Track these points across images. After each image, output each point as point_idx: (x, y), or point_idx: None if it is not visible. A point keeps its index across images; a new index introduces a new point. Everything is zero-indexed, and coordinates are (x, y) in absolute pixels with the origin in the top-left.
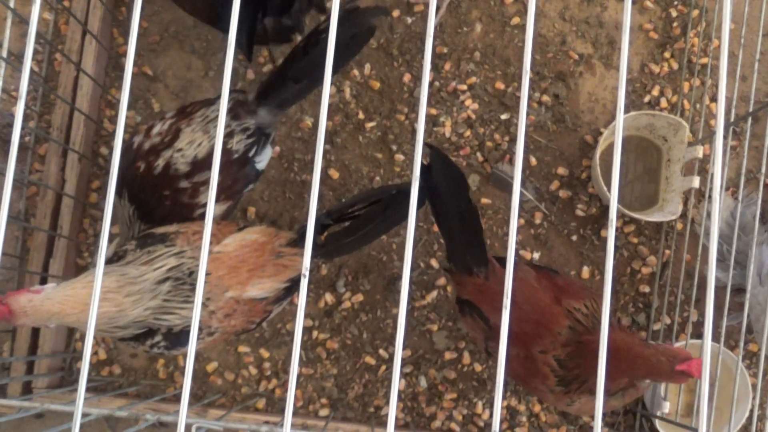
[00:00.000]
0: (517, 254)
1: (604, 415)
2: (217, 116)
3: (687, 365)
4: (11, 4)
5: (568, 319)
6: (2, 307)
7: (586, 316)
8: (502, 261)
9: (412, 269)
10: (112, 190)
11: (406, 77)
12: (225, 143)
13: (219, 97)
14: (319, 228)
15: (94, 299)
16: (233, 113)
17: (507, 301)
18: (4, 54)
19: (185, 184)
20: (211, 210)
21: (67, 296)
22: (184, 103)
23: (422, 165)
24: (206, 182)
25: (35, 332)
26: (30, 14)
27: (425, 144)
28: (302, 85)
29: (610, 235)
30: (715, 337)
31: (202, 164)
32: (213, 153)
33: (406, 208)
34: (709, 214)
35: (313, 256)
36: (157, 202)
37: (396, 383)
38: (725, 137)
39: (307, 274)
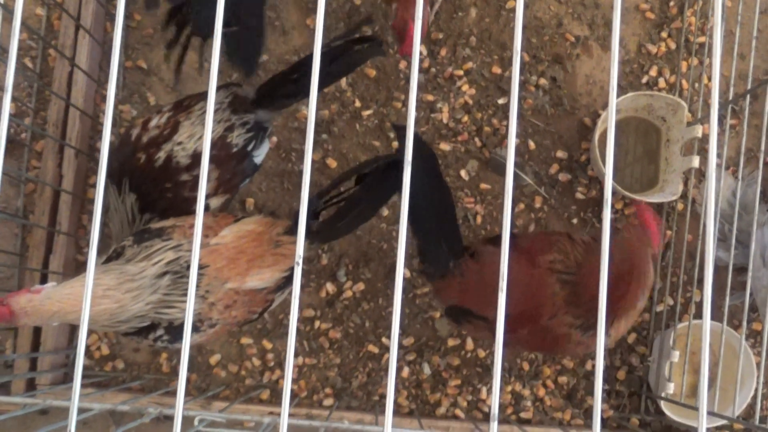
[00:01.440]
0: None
1: (607, 387)
2: (217, 109)
3: (646, 222)
4: (1, 0)
5: (553, 275)
6: (3, 309)
7: (564, 260)
8: (469, 249)
9: (413, 257)
10: (101, 185)
11: (402, 64)
12: (225, 137)
13: (217, 90)
14: (312, 214)
15: (86, 294)
16: (232, 107)
17: (503, 283)
18: None
19: (186, 177)
20: (201, 201)
21: (66, 295)
22: (179, 97)
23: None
24: (207, 175)
25: (37, 329)
26: (23, 11)
27: (393, 125)
28: (300, 96)
29: (606, 215)
30: (718, 317)
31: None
32: (213, 147)
33: (389, 186)
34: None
35: (309, 241)
36: (159, 194)
37: (393, 369)
38: (724, 116)
39: (300, 261)
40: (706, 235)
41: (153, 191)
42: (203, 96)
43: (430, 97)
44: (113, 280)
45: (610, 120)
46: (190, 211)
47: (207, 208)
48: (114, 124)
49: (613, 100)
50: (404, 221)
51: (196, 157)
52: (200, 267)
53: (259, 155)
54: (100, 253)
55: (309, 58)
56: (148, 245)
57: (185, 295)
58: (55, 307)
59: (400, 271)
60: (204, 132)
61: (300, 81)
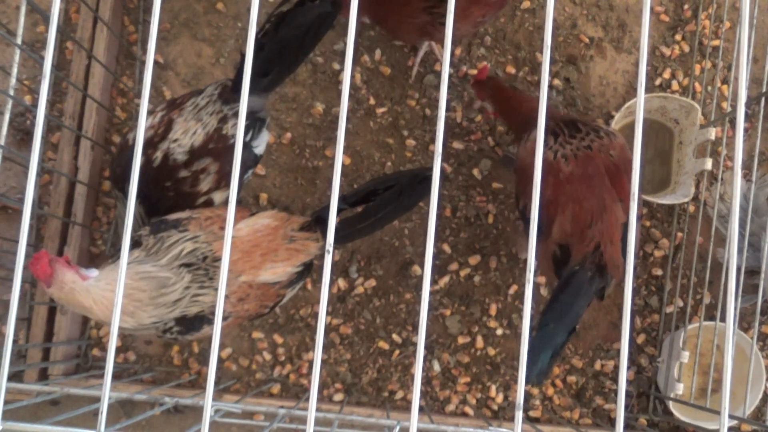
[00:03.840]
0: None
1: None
2: (206, 104)
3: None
4: None
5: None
6: (49, 269)
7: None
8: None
9: (424, 255)
10: (134, 188)
11: (410, 61)
12: (220, 129)
13: (207, 86)
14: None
15: (116, 305)
16: (223, 98)
17: (530, 275)
18: (18, 41)
19: (185, 173)
20: (234, 191)
21: (101, 297)
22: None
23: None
24: (205, 170)
25: (50, 319)
26: (41, 3)
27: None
28: (273, 76)
29: (632, 210)
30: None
31: (199, 152)
32: (209, 141)
33: (419, 195)
34: (721, 196)
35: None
36: (161, 194)
37: (420, 365)
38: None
39: (331, 249)
40: (728, 231)
41: (155, 192)
42: (194, 93)
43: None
44: (146, 293)
45: (637, 117)
46: (194, 208)
47: (211, 203)
48: (129, 117)
49: (641, 95)
50: (432, 228)
51: (194, 153)
52: (215, 259)
53: (259, 146)
54: (113, 245)
55: (269, 25)
56: (163, 236)
57: (202, 287)
58: (87, 303)
59: (427, 278)
60: (199, 127)
61: (263, 51)
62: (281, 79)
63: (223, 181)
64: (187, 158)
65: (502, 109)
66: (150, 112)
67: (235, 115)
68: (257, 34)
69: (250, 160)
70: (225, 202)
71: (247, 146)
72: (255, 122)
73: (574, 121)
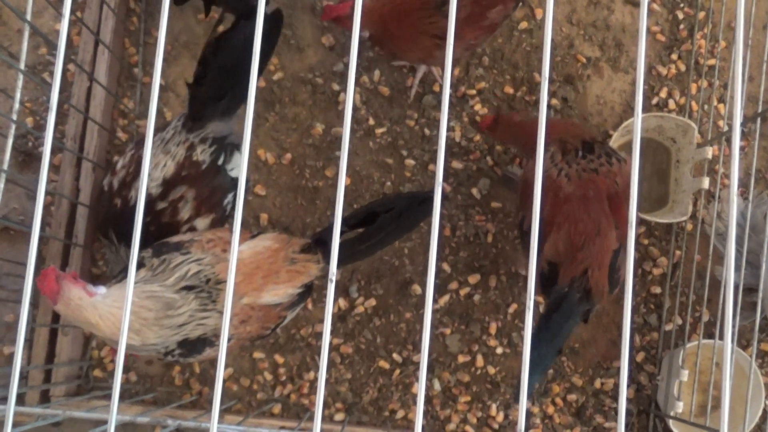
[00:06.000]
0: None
1: None
2: (172, 135)
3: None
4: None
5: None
6: (55, 286)
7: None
8: None
9: (424, 274)
10: (140, 213)
11: (409, 80)
12: (189, 156)
13: (170, 121)
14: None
15: (123, 328)
16: (187, 127)
17: (530, 302)
18: (22, 66)
19: (162, 204)
20: (239, 213)
21: (108, 314)
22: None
23: None
24: (182, 197)
25: (52, 340)
26: (43, 26)
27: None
28: (229, 99)
29: (631, 234)
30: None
31: (173, 181)
32: (181, 169)
33: (419, 216)
34: (719, 215)
35: (327, 261)
36: (143, 230)
37: (423, 382)
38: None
39: (334, 278)
40: (726, 249)
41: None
42: (158, 129)
43: None
44: (152, 313)
45: (635, 141)
46: None
47: (194, 230)
48: (131, 139)
49: (638, 116)
50: (434, 249)
51: (168, 184)
52: (218, 282)
53: (234, 168)
54: (111, 265)
55: (206, 51)
56: (166, 258)
57: (204, 310)
58: (93, 320)
59: (430, 298)
60: (168, 159)
61: (206, 77)
62: (239, 100)
63: (202, 207)
64: (161, 190)
65: (526, 146)
66: (120, 154)
67: (202, 141)
68: (200, 60)
69: (227, 183)
70: (206, 229)
71: (220, 170)
72: (225, 146)
73: (592, 143)
